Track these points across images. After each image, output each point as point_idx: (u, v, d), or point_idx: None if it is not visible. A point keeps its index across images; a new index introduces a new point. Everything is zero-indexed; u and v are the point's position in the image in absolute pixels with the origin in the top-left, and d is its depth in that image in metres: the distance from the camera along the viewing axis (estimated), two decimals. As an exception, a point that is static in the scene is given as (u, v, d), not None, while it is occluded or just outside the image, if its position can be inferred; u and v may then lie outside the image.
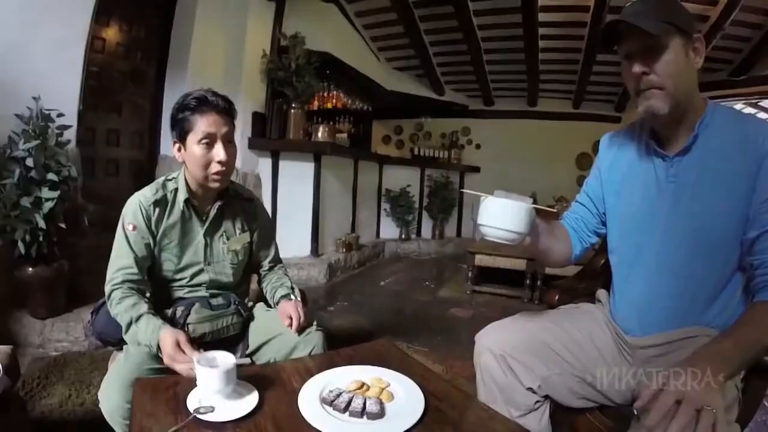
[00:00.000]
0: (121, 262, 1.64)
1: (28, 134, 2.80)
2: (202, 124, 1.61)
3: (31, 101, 2.91)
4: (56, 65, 3.37)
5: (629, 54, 1.31)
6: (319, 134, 5.82)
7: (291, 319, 1.68)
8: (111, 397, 1.46)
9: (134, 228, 1.66)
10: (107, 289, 1.63)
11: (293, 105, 5.51)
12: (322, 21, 6.31)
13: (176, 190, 1.74)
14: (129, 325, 1.54)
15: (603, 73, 7.73)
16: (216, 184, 1.68)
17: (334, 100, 7.40)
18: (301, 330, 1.68)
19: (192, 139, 1.63)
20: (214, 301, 1.76)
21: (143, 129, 4.62)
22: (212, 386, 1.23)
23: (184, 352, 1.41)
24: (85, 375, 2.66)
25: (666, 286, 1.37)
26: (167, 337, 1.44)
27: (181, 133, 1.65)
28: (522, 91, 9.07)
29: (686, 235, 1.32)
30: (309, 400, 1.22)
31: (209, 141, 1.62)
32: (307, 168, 5.44)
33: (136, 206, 1.68)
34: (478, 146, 9.62)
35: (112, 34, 4.16)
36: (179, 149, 1.68)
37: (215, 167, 1.64)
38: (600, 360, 1.45)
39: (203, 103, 1.63)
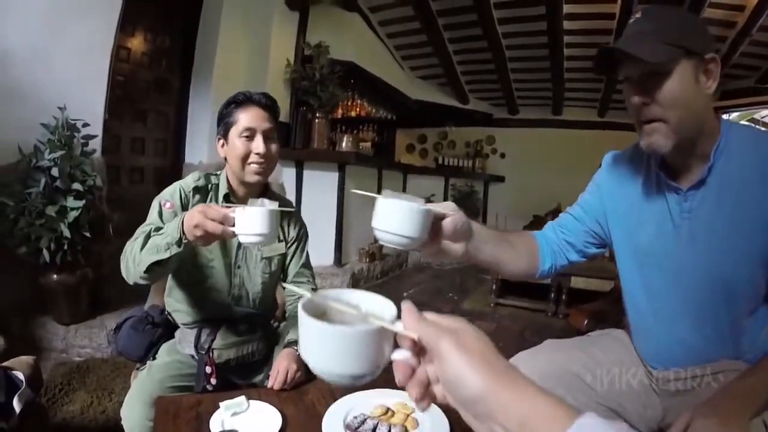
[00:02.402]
0: (147, 228, 1.52)
1: (53, 144, 2.83)
2: (244, 118, 1.63)
3: (56, 111, 2.94)
4: (82, 75, 3.42)
5: (628, 78, 1.18)
6: (344, 144, 5.79)
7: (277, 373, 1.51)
8: (133, 415, 1.45)
9: (171, 206, 1.61)
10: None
11: (317, 114, 5.50)
12: (345, 30, 6.32)
13: (217, 186, 1.72)
14: (146, 240, 1.43)
15: (629, 82, 7.63)
16: (255, 177, 1.65)
17: (358, 109, 7.41)
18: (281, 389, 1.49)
19: (234, 132, 1.64)
20: (241, 326, 1.72)
21: (168, 137, 4.68)
22: (255, 227, 1.23)
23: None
24: (107, 382, 2.67)
25: (685, 325, 1.27)
26: (192, 209, 1.32)
27: (225, 128, 1.67)
28: (547, 100, 9.02)
29: (704, 275, 1.22)
30: (333, 426, 1.19)
31: (249, 135, 1.63)
32: (331, 178, 5.40)
33: (175, 189, 1.66)
34: (502, 155, 9.58)
35: (137, 43, 4.22)
36: (222, 145, 1.69)
37: (253, 158, 1.63)
38: (629, 390, 1.39)
39: (247, 98, 1.66)
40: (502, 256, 1.30)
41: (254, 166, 1.64)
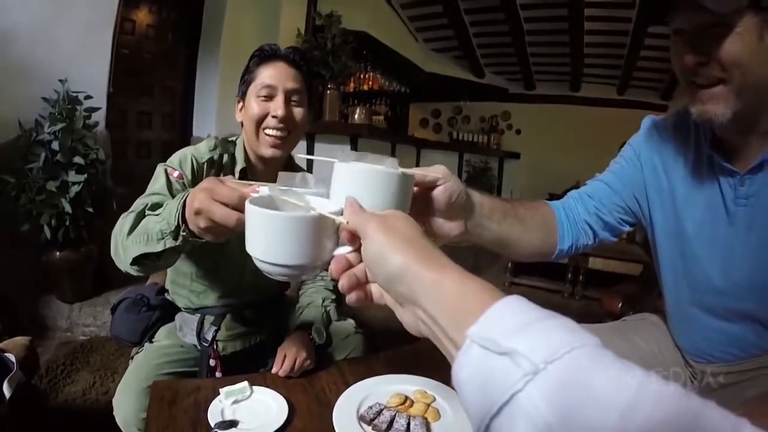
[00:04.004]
0: (148, 199, 1.21)
1: (54, 117, 2.77)
2: (265, 74, 1.40)
3: (58, 84, 2.88)
4: (84, 48, 3.37)
5: (679, 32, 0.99)
6: (356, 116, 5.70)
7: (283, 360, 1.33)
8: (125, 404, 1.30)
9: (180, 176, 1.34)
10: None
11: (329, 86, 5.39)
12: None
13: (234, 157, 1.48)
14: (137, 221, 1.11)
15: (649, 59, 7.41)
16: (269, 150, 1.40)
17: (370, 82, 7.30)
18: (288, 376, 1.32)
19: (251, 91, 1.41)
20: (248, 313, 1.56)
21: (175, 111, 4.63)
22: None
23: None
24: (111, 362, 2.62)
25: (733, 318, 1.13)
26: (198, 185, 0.90)
27: (244, 87, 1.44)
28: (565, 75, 8.83)
29: (757, 266, 1.06)
30: (345, 417, 1.07)
31: (268, 94, 1.39)
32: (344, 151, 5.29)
33: (186, 156, 1.40)
34: (518, 131, 9.44)
35: (142, 15, 4.15)
36: (241, 108, 1.46)
37: (270, 122, 1.38)
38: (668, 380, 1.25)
39: (273, 52, 1.42)
40: (510, 235, 1.06)
41: (270, 136, 1.39)
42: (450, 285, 0.49)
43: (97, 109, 3.07)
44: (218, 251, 1.43)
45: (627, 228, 1.27)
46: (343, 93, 5.80)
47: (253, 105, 1.39)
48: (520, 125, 9.45)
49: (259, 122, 1.39)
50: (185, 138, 4.64)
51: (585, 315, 3.61)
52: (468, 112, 9.78)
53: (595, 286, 4.34)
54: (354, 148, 5.20)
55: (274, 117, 1.37)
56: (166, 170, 1.33)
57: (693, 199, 1.14)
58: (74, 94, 2.89)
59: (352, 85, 6.74)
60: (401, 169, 0.72)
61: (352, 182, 0.69)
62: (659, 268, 1.27)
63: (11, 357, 1.43)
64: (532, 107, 9.39)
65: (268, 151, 1.40)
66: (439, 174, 0.82)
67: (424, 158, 7.31)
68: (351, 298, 0.60)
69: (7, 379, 1.33)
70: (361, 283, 0.60)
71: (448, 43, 8.41)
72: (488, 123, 9.47)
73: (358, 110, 5.76)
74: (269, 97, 1.39)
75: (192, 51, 4.66)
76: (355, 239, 0.59)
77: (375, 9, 6.71)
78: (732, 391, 1.15)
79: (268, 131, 1.39)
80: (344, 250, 0.61)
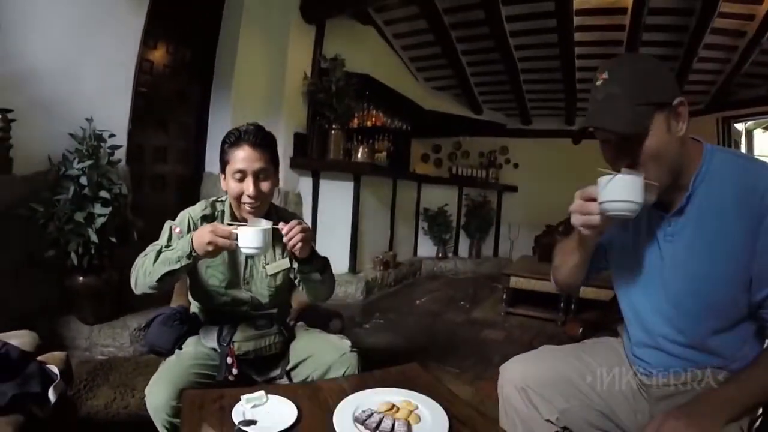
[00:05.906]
0: (158, 246, 1.73)
1: (81, 154, 2.98)
2: (236, 159, 1.71)
3: (83, 121, 3.09)
4: (108, 87, 3.56)
5: (605, 141, 1.28)
6: (359, 155, 5.93)
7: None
8: (159, 392, 1.56)
9: (180, 232, 1.78)
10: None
11: (333, 126, 5.62)
12: (361, 43, 6.46)
13: (223, 212, 1.86)
14: (158, 255, 1.66)
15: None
16: (248, 215, 1.77)
17: (373, 119, 7.44)
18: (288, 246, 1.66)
19: (228, 171, 1.74)
20: (259, 321, 1.85)
21: (189, 146, 4.78)
22: (251, 242, 1.52)
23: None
24: (130, 379, 2.79)
25: (670, 338, 1.35)
26: (203, 228, 1.60)
27: (222, 165, 1.78)
28: (560, 110, 8.99)
29: (685, 296, 1.29)
30: (343, 418, 1.30)
31: (241, 176, 1.72)
32: (347, 187, 5.54)
33: (184, 217, 1.84)
34: (516, 165, 9.52)
35: (159, 56, 4.34)
36: (223, 179, 1.79)
37: (245, 199, 1.74)
38: (620, 394, 1.47)
39: (238, 138, 1.73)
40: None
41: (247, 206, 1.75)
42: None
43: (120, 146, 3.28)
44: (219, 286, 1.85)
45: (603, 271, 1.60)
46: (347, 130, 6.03)
47: (231, 184, 1.74)
48: (517, 159, 9.55)
49: (238, 198, 1.75)
50: (198, 173, 4.80)
51: (576, 341, 3.77)
52: (467, 147, 9.90)
53: (587, 313, 4.50)
54: (357, 184, 5.51)
55: (248, 196, 1.72)
56: (171, 226, 1.81)
57: (637, 237, 1.41)
58: (99, 132, 3.10)
59: (356, 122, 6.92)
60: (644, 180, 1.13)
61: (625, 186, 1.13)
62: (618, 297, 1.54)
63: (54, 369, 1.60)
64: (529, 141, 9.48)
65: (248, 216, 1.76)
66: None
67: (425, 192, 7.56)
68: None
69: (52, 386, 1.49)
70: None
71: (447, 81, 8.64)
72: (487, 158, 9.57)
73: (361, 148, 6.00)
74: (242, 179, 1.72)
75: (205, 90, 4.84)
76: None
77: (377, 51, 6.99)
78: (674, 400, 1.34)
79: (245, 204, 1.75)
80: None
